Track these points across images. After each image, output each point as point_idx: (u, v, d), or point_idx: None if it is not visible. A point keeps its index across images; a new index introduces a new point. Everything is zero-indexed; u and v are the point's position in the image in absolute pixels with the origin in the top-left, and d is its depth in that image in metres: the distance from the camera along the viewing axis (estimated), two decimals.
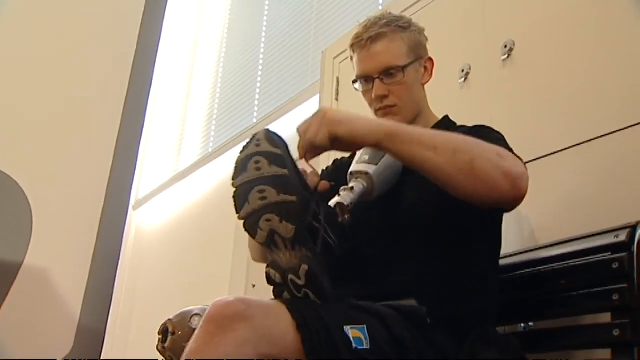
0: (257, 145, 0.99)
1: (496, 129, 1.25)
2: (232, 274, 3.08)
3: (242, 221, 0.99)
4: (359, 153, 1.23)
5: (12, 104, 1.64)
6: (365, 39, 1.27)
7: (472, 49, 1.83)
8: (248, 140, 1.01)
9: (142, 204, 4.38)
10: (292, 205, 0.95)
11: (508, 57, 1.68)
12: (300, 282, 0.97)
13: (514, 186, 1.04)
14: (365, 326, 0.98)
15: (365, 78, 1.30)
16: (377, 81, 1.28)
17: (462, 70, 1.81)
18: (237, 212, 0.99)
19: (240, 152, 1.01)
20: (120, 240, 1.52)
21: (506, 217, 1.25)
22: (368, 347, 0.96)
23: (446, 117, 1.37)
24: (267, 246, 0.99)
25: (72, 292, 1.44)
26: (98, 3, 1.84)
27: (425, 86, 1.36)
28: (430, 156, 1.03)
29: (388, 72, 1.27)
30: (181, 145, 4.26)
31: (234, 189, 0.99)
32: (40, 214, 1.48)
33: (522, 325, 1.30)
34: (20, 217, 1.47)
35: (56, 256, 1.47)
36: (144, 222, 4.34)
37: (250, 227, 0.98)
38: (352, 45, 1.31)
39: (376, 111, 1.32)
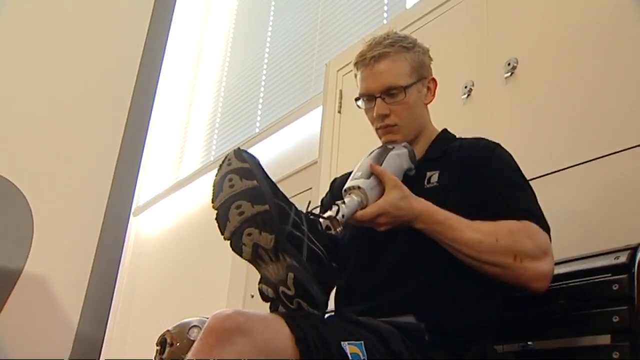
0: (229, 165, 1.00)
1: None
2: (231, 283, 3.08)
3: (229, 242, 0.99)
4: (353, 169, 1.24)
5: (14, 108, 1.64)
6: (369, 58, 1.28)
7: (476, 65, 1.84)
8: (221, 162, 1.02)
9: (142, 210, 4.38)
10: (267, 215, 0.95)
11: (511, 75, 1.69)
12: (290, 293, 0.98)
13: (545, 285, 1.12)
14: (362, 342, 0.98)
15: (368, 96, 1.31)
16: (378, 100, 1.29)
17: (465, 87, 1.82)
18: (222, 234, 0.99)
19: (215, 175, 1.02)
20: (121, 248, 1.52)
21: None
22: None
23: (444, 131, 1.38)
24: (254, 261, 0.99)
25: (71, 299, 1.43)
26: (105, 9, 1.85)
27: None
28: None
29: (390, 92, 1.28)
30: (183, 153, 4.27)
31: (215, 212, 0.99)
32: (41, 220, 1.49)
33: (521, 344, 1.30)
34: (22, 223, 1.47)
35: (56, 263, 1.46)
36: (144, 229, 4.34)
37: (236, 246, 0.98)
38: (356, 63, 1.32)
39: (377, 129, 1.33)
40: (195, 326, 1.19)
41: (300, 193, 2.76)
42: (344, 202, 1.14)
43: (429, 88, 1.35)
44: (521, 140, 1.61)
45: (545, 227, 1.15)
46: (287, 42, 3.55)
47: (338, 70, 2.47)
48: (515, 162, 1.25)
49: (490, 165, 1.23)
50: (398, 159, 1.24)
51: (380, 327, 1.06)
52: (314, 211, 1.09)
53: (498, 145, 1.28)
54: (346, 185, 1.19)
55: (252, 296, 2.79)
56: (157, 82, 1.84)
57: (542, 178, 1.50)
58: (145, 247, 4.21)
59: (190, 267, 3.60)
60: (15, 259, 1.42)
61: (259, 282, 1.02)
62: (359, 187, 1.17)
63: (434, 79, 1.36)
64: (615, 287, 1.09)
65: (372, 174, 1.19)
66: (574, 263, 1.21)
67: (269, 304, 1.03)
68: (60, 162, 1.60)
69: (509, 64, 1.71)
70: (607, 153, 1.40)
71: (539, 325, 1.25)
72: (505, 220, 1.14)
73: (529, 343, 1.27)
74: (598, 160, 1.41)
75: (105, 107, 1.73)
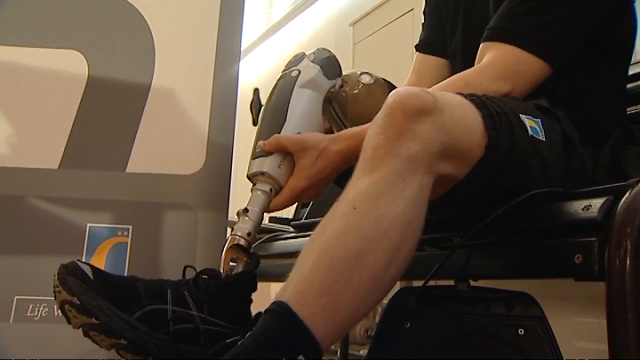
0: (59, 293, 0.85)
1: None
2: None
3: None
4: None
5: None
6: None
7: None
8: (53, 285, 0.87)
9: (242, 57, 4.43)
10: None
11: None
12: None
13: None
14: (540, 120, 0.96)
15: None
16: None
17: None
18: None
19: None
20: (238, 53, 1.58)
21: None
22: (544, 139, 0.94)
23: None
24: None
25: (199, 111, 1.51)
26: None
27: None
28: None
29: None
30: None
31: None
32: (160, 39, 1.54)
33: None
34: (143, 42, 1.53)
35: (180, 77, 1.54)
36: (242, 79, 4.41)
37: None
38: None
39: None
40: (366, 73, 1.16)
41: (401, 16, 2.67)
42: (246, 212, 0.98)
43: None
44: None
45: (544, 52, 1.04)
46: None
47: None
48: None
49: None
50: (308, 90, 1.10)
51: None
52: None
53: None
54: (247, 172, 1.07)
55: None
56: None
57: None
58: (243, 99, 4.30)
59: None
60: (142, 75, 1.50)
61: None
62: (262, 173, 1.03)
63: None
64: None
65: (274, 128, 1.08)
66: None
67: None
68: None
69: None
70: None
71: None
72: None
73: None
74: None
75: None
